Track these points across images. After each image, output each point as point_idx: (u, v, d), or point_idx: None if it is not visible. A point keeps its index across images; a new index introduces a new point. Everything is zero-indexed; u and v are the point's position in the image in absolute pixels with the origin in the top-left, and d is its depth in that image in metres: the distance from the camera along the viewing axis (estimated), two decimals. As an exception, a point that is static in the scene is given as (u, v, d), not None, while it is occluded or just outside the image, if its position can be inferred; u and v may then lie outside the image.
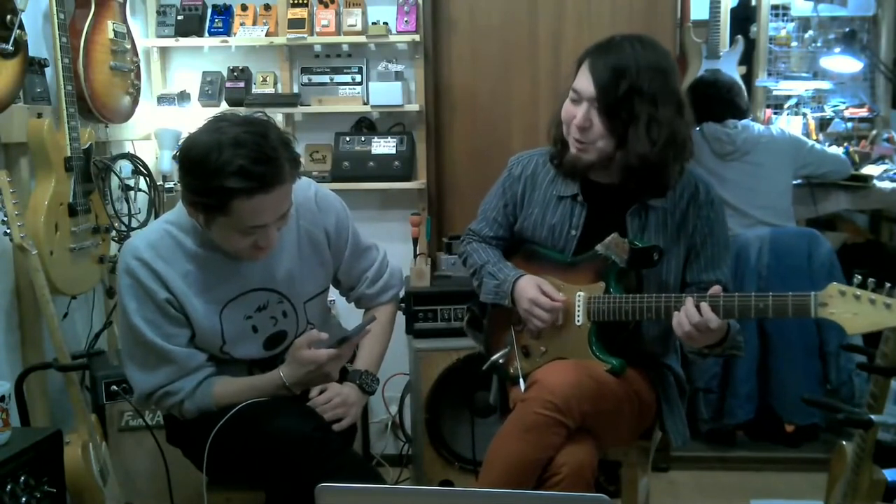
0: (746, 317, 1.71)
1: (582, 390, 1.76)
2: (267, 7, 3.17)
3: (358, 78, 3.16)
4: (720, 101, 3.33)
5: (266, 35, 3.12)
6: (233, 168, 1.60)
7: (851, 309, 1.56)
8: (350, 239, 2.00)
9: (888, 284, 1.54)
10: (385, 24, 3.09)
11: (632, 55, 1.80)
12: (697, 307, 1.71)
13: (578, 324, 1.90)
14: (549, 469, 1.75)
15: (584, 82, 1.83)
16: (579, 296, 1.90)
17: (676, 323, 1.73)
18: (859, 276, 1.58)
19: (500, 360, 2.02)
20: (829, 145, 3.66)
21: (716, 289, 1.73)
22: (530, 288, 1.92)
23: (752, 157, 3.26)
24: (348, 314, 2.43)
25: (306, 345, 1.78)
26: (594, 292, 1.88)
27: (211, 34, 3.15)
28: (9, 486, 1.81)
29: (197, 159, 1.64)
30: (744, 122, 3.31)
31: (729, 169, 3.27)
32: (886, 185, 3.41)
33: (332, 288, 2.09)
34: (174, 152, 1.74)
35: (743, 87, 3.55)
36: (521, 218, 2.05)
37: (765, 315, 1.68)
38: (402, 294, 2.24)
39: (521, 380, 1.91)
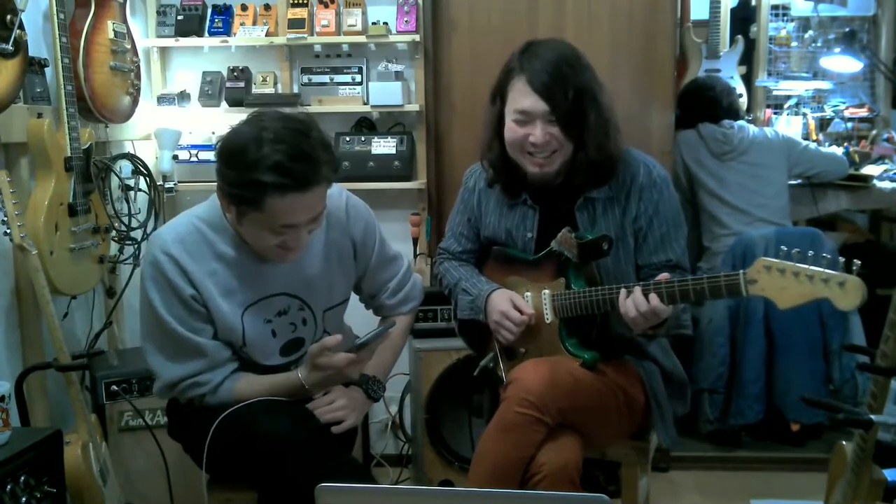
0: (688, 301, 1.72)
1: (557, 385, 1.77)
2: (267, 7, 3.17)
3: (358, 78, 3.16)
4: (717, 105, 3.38)
5: (266, 35, 3.12)
6: (270, 163, 1.60)
7: (779, 284, 1.55)
8: (376, 249, 2.00)
9: (811, 252, 1.52)
10: (385, 24, 3.09)
11: (558, 59, 1.85)
12: (646, 296, 1.72)
13: (548, 321, 1.92)
14: (530, 468, 1.76)
15: (530, 101, 1.85)
16: (545, 294, 1.92)
17: (623, 310, 1.76)
18: (784, 248, 1.56)
19: (490, 365, 2.03)
20: (829, 145, 3.67)
21: (663, 276, 1.75)
22: (503, 301, 1.94)
23: (748, 157, 3.30)
24: (350, 315, 2.43)
25: (320, 352, 1.77)
26: (556, 289, 1.91)
27: (211, 34, 3.15)
28: (9, 486, 1.81)
29: (235, 150, 1.64)
30: (739, 122, 3.36)
31: (728, 169, 3.30)
32: (886, 185, 3.42)
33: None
34: (214, 144, 1.74)
35: (736, 91, 3.57)
36: (482, 227, 2.09)
37: (703, 298, 1.69)
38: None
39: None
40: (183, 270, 1.76)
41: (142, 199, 2.97)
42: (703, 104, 3.40)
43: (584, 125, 1.86)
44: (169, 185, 3.04)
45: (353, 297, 2.13)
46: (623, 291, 1.77)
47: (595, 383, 1.84)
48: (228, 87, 3.17)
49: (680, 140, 3.36)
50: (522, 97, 1.86)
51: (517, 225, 2.01)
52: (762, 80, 3.85)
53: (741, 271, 1.61)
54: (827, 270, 1.49)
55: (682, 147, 3.36)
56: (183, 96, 3.16)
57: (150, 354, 1.84)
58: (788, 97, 3.87)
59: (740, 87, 3.76)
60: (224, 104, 3.16)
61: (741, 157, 3.30)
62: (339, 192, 1.95)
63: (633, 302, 1.73)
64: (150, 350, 1.84)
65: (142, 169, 2.93)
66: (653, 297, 1.72)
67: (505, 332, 1.93)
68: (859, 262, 1.48)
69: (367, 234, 1.97)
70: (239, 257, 1.81)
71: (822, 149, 3.50)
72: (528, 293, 1.97)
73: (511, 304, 1.93)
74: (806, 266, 1.52)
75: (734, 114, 3.40)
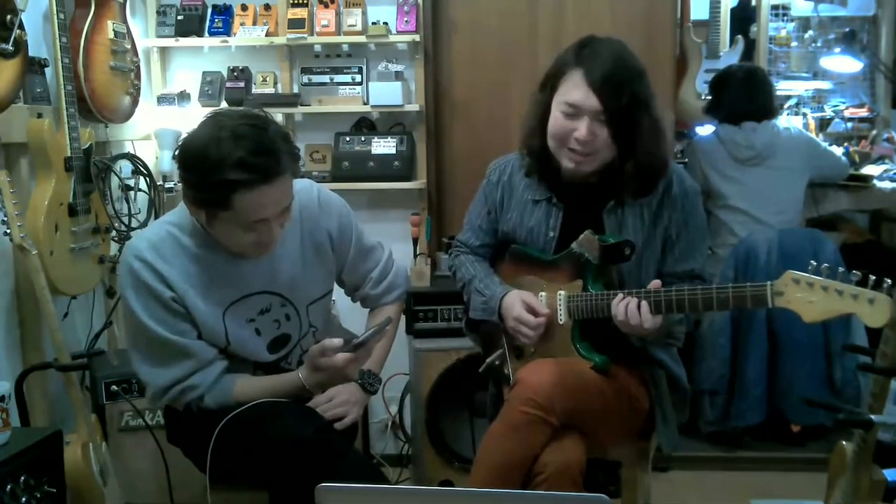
0: (710, 309, 1.72)
1: (564, 387, 1.77)
2: (267, 7, 3.17)
3: (358, 78, 3.16)
4: (748, 100, 3.25)
5: (266, 35, 3.12)
6: (233, 160, 1.60)
7: (806, 297, 1.55)
8: (353, 240, 2.00)
9: (841, 269, 1.52)
10: (385, 24, 3.09)
11: (622, 63, 1.82)
12: (659, 304, 1.73)
13: (561, 322, 1.91)
14: (534, 468, 1.76)
15: (583, 96, 1.80)
16: (560, 294, 1.91)
17: (612, 312, 1.77)
18: (814, 263, 1.56)
19: (496, 362, 2.03)
20: (830, 145, 3.65)
21: (654, 283, 1.76)
22: (515, 305, 1.92)
23: (772, 162, 3.19)
24: (347, 313, 2.44)
25: (320, 354, 1.77)
26: (573, 290, 1.90)
27: (211, 34, 3.15)
28: (9, 486, 1.81)
29: (196, 154, 1.64)
30: (761, 123, 3.22)
31: (748, 174, 3.20)
32: (886, 185, 3.41)
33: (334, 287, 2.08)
34: (174, 151, 1.74)
35: (769, 83, 3.41)
36: (502, 222, 2.07)
37: (726, 307, 1.69)
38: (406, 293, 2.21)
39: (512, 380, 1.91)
40: (159, 274, 1.76)
41: (142, 199, 2.97)
42: (743, 99, 3.25)
43: (636, 132, 1.82)
44: (169, 185, 3.04)
45: (342, 293, 2.13)
46: (619, 295, 1.77)
47: (601, 385, 1.84)
48: (228, 87, 3.17)
49: (697, 147, 3.30)
50: (576, 90, 1.81)
51: (540, 222, 1.99)
52: (762, 80, 3.85)
53: (768, 282, 1.61)
54: (857, 287, 1.49)
55: (700, 154, 3.27)
56: (183, 96, 3.16)
57: (137, 363, 1.84)
58: (788, 97, 3.87)
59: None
60: (224, 104, 3.15)
61: (765, 163, 3.18)
62: (309, 187, 1.95)
63: (625, 308, 1.74)
64: (137, 358, 1.84)
65: (142, 169, 2.93)
66: (644, 308, 1.73)
67: (523, 338, 1.92)
68: (889, 281, 1.48)
69: (342, 227, 1.97)
70: (214, 259, 1.80)
71: (829, 148, 3.47)
72: (543, 293, 1.95)
73: (524, 306, 1.91)
74: (835, 281, 1.52)
75: (761, 107, 3.24)
